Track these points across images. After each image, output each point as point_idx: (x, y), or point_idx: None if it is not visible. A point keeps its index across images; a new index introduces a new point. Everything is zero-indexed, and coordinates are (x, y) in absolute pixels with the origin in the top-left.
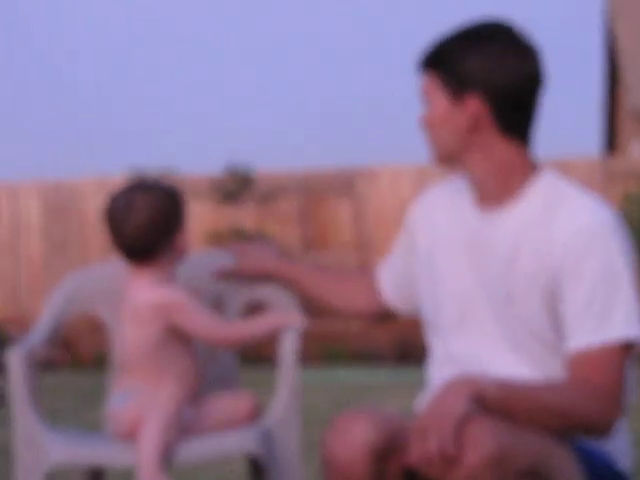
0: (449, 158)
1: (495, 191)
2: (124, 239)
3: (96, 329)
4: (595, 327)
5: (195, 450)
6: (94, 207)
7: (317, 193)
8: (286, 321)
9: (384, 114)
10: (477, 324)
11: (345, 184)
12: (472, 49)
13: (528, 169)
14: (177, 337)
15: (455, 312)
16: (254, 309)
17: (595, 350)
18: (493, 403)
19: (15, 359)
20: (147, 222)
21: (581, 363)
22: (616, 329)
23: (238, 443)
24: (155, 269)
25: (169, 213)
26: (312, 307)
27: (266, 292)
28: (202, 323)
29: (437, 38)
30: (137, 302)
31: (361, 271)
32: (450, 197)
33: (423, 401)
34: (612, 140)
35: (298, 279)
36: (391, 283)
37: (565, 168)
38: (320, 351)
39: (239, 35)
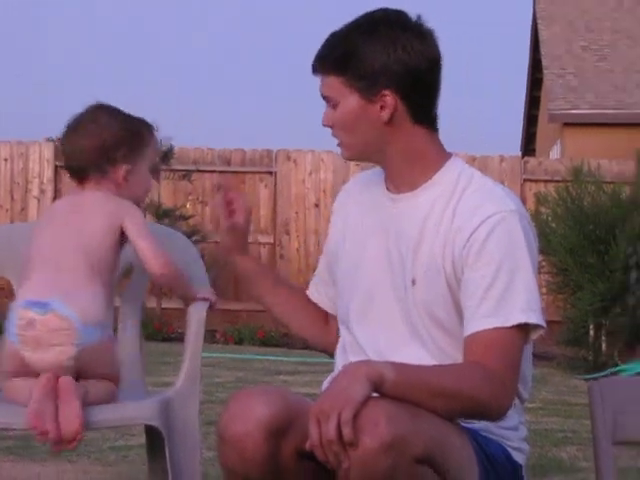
0: (363, 154)
1: (408, 178)
2: (65, 156)
3: (7, 293)
4: (493, 311)
5: (96, 418)
6: (9, 172)
7: (237, 173)
8: (206, 296)
9: (311, 97)
10: (381, 312)
11: (265, 166)
12: (372, 44)
13: (439, 156)
14: (116, 248)
15: (361, 300)
16: None
17: (491, 334)
18: (391, 387)
19: None
20: (88, 143)
21: (477, 347)
22: (513, 315)
23: (138, 412)
24: (98, 189)
25: (116, 141)
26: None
27: (181, 266)
28: (151, 240)
29: (329, 38)
30: (85, 198)
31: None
32: (364, 187)
33: (326, 384)
34: (533, 144)
35: (266, 295)
36: (325, 299)
37: (485, 165)
38: (233, 332)
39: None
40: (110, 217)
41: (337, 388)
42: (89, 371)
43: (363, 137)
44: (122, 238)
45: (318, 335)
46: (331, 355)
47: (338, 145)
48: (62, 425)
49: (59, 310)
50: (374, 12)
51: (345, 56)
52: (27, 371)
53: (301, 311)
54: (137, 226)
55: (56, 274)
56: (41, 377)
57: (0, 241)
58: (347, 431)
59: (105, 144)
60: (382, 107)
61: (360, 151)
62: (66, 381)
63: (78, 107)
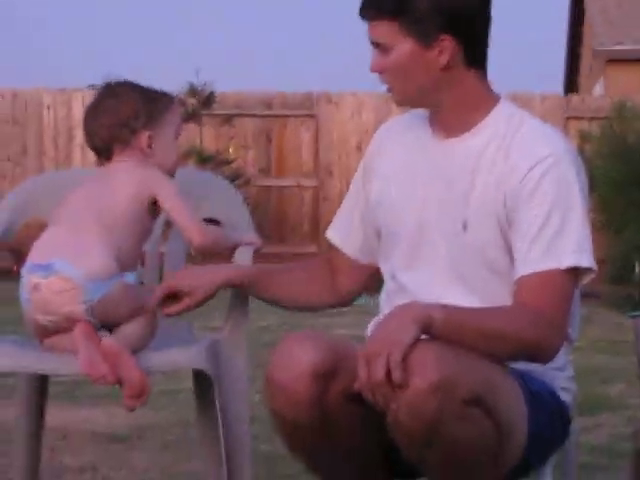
0: (416, 99)
1: (459, 121)
2: (88, 137)
3: None
4: (544, 253)
5: (144, 364)
6: (52, 120)
7: (278, 117)
8: (251, 240)
9: (349, 40)
10: (428, 256)
11: (306, 109)
12: None
13: (490, 99)
14: (146, 218)
15: (407, 246)
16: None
17: (543, 276)
18: (440, 328)
19: None
20: (107, 119)
21: (528, 289)
22: (565, 257)
23: (186, 357)
24: (127, 160)
25: (134, 110)
26: (271, 228)
27: (224, 211)
28: (183, 207)
29: None
30: (112, 167)
31: (319, 262)
32: (407, 130)
33: (372, 328)
34: (575, 80)
35: (255, 281)
36: (351, 245)
37: (527, 104)
38: None
39: None
40: (138, 186)
41: (386, 330)
42: (115, 319)
43: (418, 82)
44: (156, 207)
45: (316, 292)
46: (335, 306)
47: (388, 90)
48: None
49: (62, 271)
50: None
51: (397, 2)
52: (51, 332)
53: (303, 282)
54: (170, 199)
55: (67, 235)
56: (76, 327)
57: (46, 187)
58: (397, 373)
59: (124, 116)
60: (440, 52)
61: (414, 96)
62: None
63: (121, 54)
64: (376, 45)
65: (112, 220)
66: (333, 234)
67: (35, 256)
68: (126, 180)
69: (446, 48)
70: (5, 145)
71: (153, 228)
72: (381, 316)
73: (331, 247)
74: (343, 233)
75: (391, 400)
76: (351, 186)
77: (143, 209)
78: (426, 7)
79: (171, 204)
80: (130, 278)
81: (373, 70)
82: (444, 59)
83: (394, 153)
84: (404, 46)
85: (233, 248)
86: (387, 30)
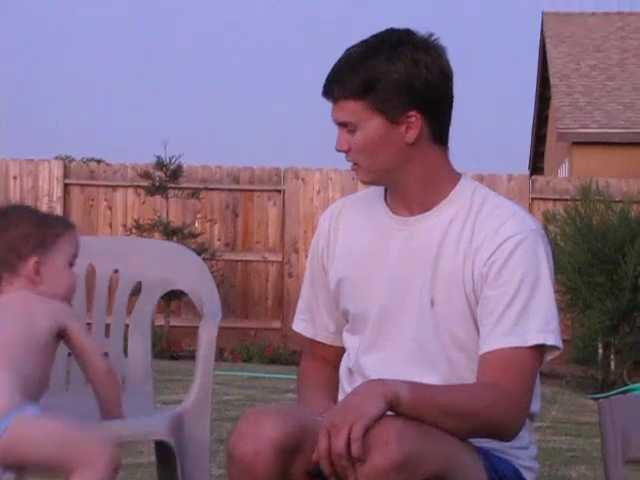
0: (382, 177)
1: (423, 198)
2: None
3: None
4: (510, 330)
5: (105, 433)
6: (18, 190)
7: (245, 192)
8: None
9: (316, 117)
10: (393, 338)
11: (273, 184)
12: (395, 65)
13: (452, 176)
14: (54, 346)
15: (371, 328)
16: (172, 296)
17: (508, 354)
18: (406, 406)
19: None
20: None
21: (492, 365)
22: (530, 335)
23: (150, 427)
24: (22, 289)
25: (23, 235)
26: (236, 302)
27: (186, 281)
28: (92, 344)
29: (346, 62)
30: (13, 298)
31: (315, 374)
32: (364, 208)
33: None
34: (541, 162)
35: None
36: (325, 332)
37: (493, 184)
38: (242, 350)
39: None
40: (51, 318)
41: (351, 403)
42: (22, 457)
43: (385, 159)
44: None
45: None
46: None
47: (354, 169)
48: None
49: None
50: (385, 33)
51: (369, 80)
52: None
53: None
54: (80, 334)
55: None
56: None
57: None
58: (356, 446)
59: (11, 239)
60: (407, 128)
61: (380, 174)
62: None
63: (88, 124)
64: (342, 125)
65: (22, 352)
66: (303, 326)
67: None
68: (38, 312)
69: (413, 124)
70: None
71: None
72: (342, 395)
73: (307, 341)
74: (312, 324)
75: (350, 474)
76: (307, 273)
77: (53, 339)
78: (393, 85)
79: (81, 339)
80: (32, 410)
81: (339, 149)
82: (412, 135)
83: (351, 235)
84: (372, 123)
85: (106, 412)
86: (354, 109)
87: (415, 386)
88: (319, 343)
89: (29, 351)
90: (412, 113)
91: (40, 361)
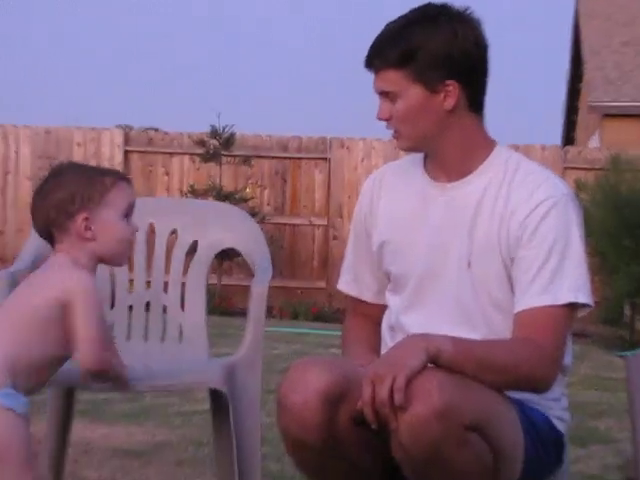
0: (421, 144)
1: (460, 166)
2: (32, 220)
3: None
4: (544, 289)
5: (164, 382)
6: (82, 156)
7: (293, 159)
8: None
9: (361, 88)
10: (433, 297)
11: (319, 152)
12: (435, 36)
13: (487, 144)
14: (59, 325)
15: (412, 287)
16: (225, 255)
17: (542, 311)
18: (447, 360)
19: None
20: (44, 203)
21: (527, 322)
22: (563, 294)
23: (205, 376)
24: (63, 253)
25: (70, 193)
26: (284, 263)
27: (240, 241)
28: (93, 333)
29: (387, 33)
30: (50, 262)
31: (360, 330)
32: (405, 175)
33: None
34: (573, 133)
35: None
36: (369, 292)
37: (527, 154)
38: (289, 308)
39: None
40: (58, 291)
41: (394, 355)
42: None
43: (424, 127)
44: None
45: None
46: None
47: (395, 137)
48: None
49: None
50: (423, 7)
51: (409, 50)
52: None
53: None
54: (83, 316)
55: None
56: None
57: None
58: (399, 396)
59: (59, 198)
60: (445, 97)
61: (419, 141)
62: None
63: (147, 94)
64: (384, 94)
65: (18, 327)
66: (347, 286)
67: None
68: (49, 283)
69: (451, 93)
70: (39, 178)
71: (67, 337)
72: (385, 349)
73: (351, 300)
74: (356, 284)
75: (391, 421)
76: (351, 236)
77: (55, 314)
78: (431, 55)
79: (76, 321)
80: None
81: (381, 117)
82: (449, 103)
83: (393, 200)
84: (412, 92)
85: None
86: (395, 79)
87: (456, 340)
88: (362, 301)
89: (27, 327)
90: (450, 82)
91: (39, 337)
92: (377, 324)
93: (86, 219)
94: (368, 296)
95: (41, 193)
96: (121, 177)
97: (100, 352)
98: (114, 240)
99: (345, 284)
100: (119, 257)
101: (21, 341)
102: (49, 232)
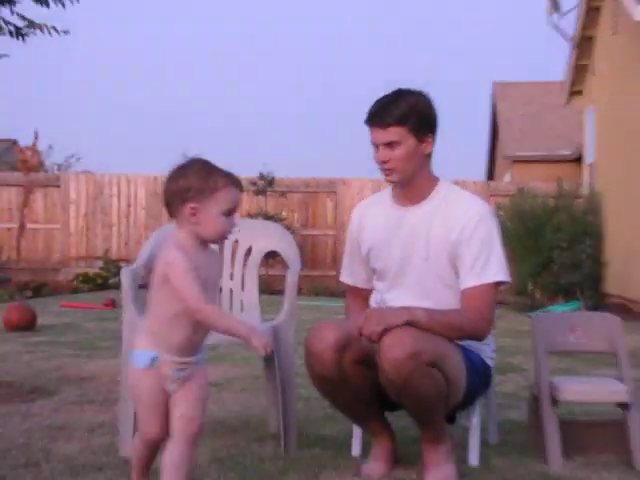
0: (406, 178)
1: (422, 191)
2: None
3: None
4: (479, 274)
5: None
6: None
7: (313, 192)
8: (254, 344)
9: (358, 136)
10: (405, 283)
11: (330, 188)
12: (421, 104)
13: (435, 178)
14: (163, 290)
15: (391, 276)
16: (270, 255)
17: (479, 288)
18: (421, 322)
19: (125, 274)
20: (169, 186)
21: (470, 296)
22: (491, 276)
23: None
24: (178, 231)
25: (188, 184)
26: (307, 260)
27: (279, 246)
28: (181, 289)
29: (386, 102)
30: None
31: (358, 308)
32: (380, 204)
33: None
34: (493, 172)
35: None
36: (360, 280)
37: (463, 186)
38: (312, 289)
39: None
40: (161, 265)
41: (386, 312)
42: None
43: (412, 166)
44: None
45: None
46: None
47: (388, 174)
48: None
49: None
50: (401, 89)
51: (406, 112)
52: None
53: None
54: (177, 280)
55: None
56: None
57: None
58: (376, 336)
59: (179, 186)
60: (426, 146)
61: (407, 176)
62: None
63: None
64: (387, 144)
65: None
66: (347, 279)
67: None
68: (159, 258)
69: (429, 143)
70: (151, 206)
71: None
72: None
73: (349, 286)
74: (352, 277)
75: (376, 354)
76: (347, 246)
77: (163, 283)
78: (420, 117)
79: (176, 283)
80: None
81: (383, 160)
82: (428, 150)
83: (374, 220)
84: (409, 142)
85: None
86: (397, 132)
87: (428, 311)
88: (356, 287)
89: (156, 292)
90: (429, 135)
91: (160, 302)
92: (366, 300)
93: (193, 208)
94: (360, 283)
95: (169, 178)
96: (233, 182)
97: (194, 305)
98: (211, 231)
99: (345, 277)
100: (215, 241)
101: (154, 304)
102: (169, 209)
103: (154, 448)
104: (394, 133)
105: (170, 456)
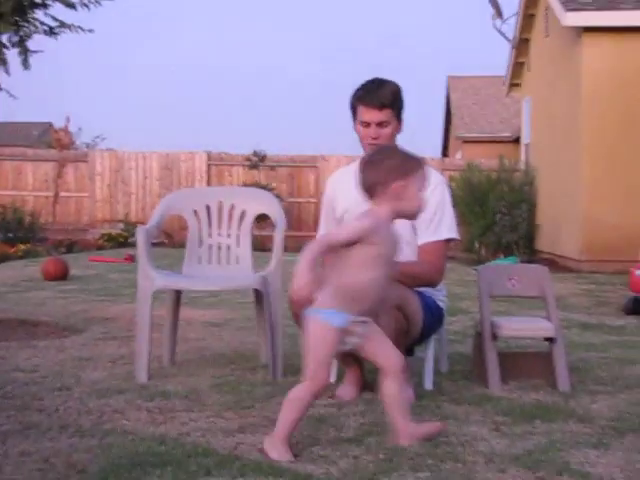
0: None
1: None
2: (360, 181)
3: (185, 226)
4: (434, 232)
5: (230, 284)
6: (185, 169)
7: (298, 167)
8: None
9: (341, 118)
10: None
11: (312, 163)
12: (398, 92)
13: None
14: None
15: None
16: (261, 218)
17: (433, 244)
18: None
19: (139, 232)
20: (372, 172)
21: (426, 251)
22: (444, 233)
23: (251, 282)
24: (376, 207)
25: (387, 170)
26: (293, 223)
27: (269, 209)
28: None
29: (379, 87)
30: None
31: None
32: (351, 173)
33: None
34: (447, 150)
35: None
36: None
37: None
38: (297, 247)
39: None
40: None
41: None
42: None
43: (391, 141)
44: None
45: None
46: None
47: (374, 145)
48: None
49: None
50: (380, 78)
51: (393, 98)
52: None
53: None
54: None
55: None
56: None
57: (182, 195)
58: None
59: (390, 165)
60: (400, 124)
61: None
62: None
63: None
64: (378, 123)
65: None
66: (323, 233)
67: None
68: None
69: (402, 123)
70: (164, 179)
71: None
72: None
73: None
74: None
75: None
76: (323, 209)
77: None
78: (399, 102)
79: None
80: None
81: (375, 137)
82: (400, 130)
83: (348, 186)
84: (394, 123)
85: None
86: (388, 114)
87: (395, 263)
88: None
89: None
90: (401, 118)
91: (357, 267)
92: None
93: (399, 186)
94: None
95: (372, 162)
96: (423, 163)
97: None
98: (413, 205)
99: (321, 232)
100: (412, 215)
101: (349, 270)
102: (372, 189)
103: (318, 397)
104: (386, 114)
105: (391, 390)
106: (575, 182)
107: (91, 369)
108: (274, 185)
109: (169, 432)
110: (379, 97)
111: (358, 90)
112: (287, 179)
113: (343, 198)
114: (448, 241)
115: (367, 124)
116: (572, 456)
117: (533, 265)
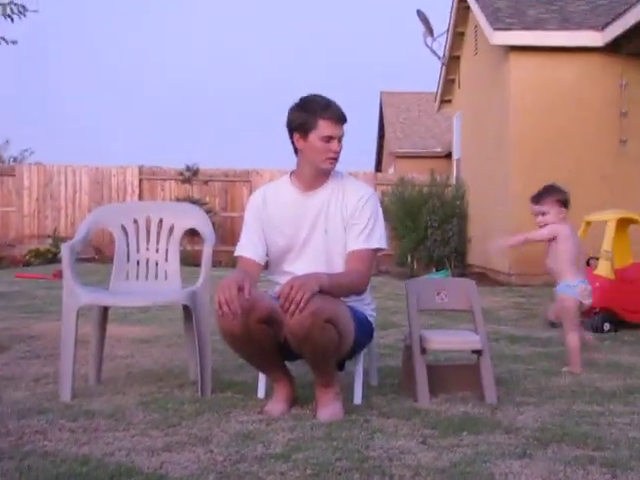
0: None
1: (321, 180)
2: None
3: (114, 240)
4: (365, 240)
5: (158, 299)
6: (116, 183)
7: (231, 181)
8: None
9: (275, 134)
10: (308, 255)
11: (246, 177)
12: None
13: None
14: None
15: (295, 251)
16: (193, 233)
17: (362, 252)
18: (325, 287)
19: (64, 248)
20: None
21: (354, 258)
22: (373, 243)
23: (179, 297)
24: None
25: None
26: (227, 237)
27: (197, 224)
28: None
29: (332, 102)
30: None
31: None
32: (280, 189)
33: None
34: (380, 165)
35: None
36: (257, 254)
37: (354, 176)
38: (229, 261)
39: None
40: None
41: (304, 278)
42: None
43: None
44: None
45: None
46: None
47: (335, 162)
48: None
49: None
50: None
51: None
52: None
53: None
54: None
55: None
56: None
57: (108, 210)
58: (301, 306)
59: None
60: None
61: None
62: None
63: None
64: (339, 138)
65: None
66: (244, 252)
67: None
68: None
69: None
70: (92, 192)
71: None
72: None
73: (241, 259)
74: (250, 249)
75: (289, 315)
76: (249, 222)
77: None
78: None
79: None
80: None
81: (338, 151)
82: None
83: (280, 200)
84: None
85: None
86: (344, 128)
87: (329, 275)
88: (253, 260)
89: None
90: None
91: (566, 252)
92: (255, 276)
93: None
94: (257, 258)
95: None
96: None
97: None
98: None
99: (242, 251)
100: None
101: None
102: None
103: None
104: (344, 128)
105: (573, 342)
106: (504, 196)
107: (12, 388)
108: (207, 199)
109: (92, 452)
110: (341, 112)
111: (312, 105)
112: (220, 193)
113: (275, 212)
114: (377, 250)
115: (330, 139)
116: (497, 467)
117: (461, 279)
